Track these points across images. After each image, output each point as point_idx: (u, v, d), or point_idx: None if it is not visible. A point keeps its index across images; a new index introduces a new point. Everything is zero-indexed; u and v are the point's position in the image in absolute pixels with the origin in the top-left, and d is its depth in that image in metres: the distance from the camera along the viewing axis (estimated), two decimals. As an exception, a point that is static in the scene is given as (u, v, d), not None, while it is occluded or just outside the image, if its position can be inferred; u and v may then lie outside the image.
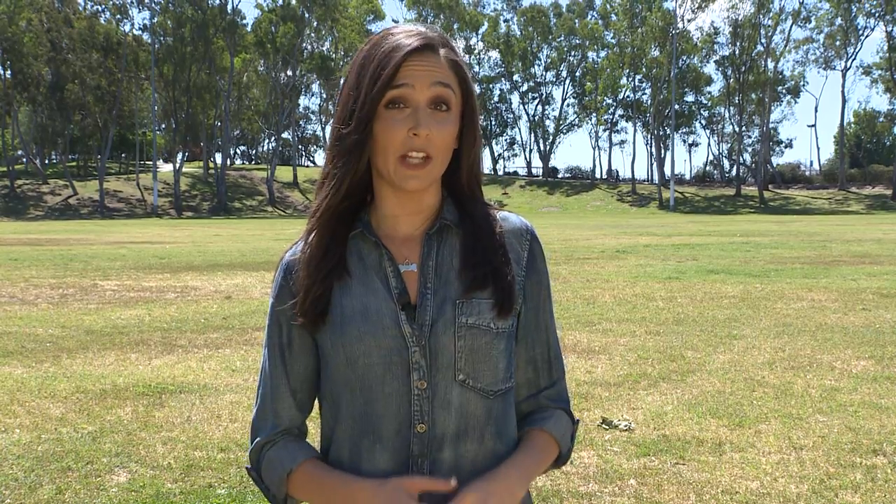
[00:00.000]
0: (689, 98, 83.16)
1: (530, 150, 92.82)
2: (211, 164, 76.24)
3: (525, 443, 1.46)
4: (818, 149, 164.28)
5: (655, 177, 79.47)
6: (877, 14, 72.55)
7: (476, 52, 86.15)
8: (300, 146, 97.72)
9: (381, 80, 1.34)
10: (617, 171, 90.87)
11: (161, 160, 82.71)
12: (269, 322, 1.47)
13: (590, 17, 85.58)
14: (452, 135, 1.38)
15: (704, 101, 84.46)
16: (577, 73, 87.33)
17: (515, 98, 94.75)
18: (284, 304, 1.44)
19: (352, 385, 1.39)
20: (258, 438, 1.46)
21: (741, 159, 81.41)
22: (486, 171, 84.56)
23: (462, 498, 1.30)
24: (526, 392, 1.50)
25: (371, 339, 1.36)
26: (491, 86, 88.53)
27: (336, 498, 1.36)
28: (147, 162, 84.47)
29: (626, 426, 5.51)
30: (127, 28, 74.40)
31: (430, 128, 1.33)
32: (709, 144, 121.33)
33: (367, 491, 1.32)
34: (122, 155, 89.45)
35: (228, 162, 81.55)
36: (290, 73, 75.98)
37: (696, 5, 76.42)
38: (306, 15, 74.58)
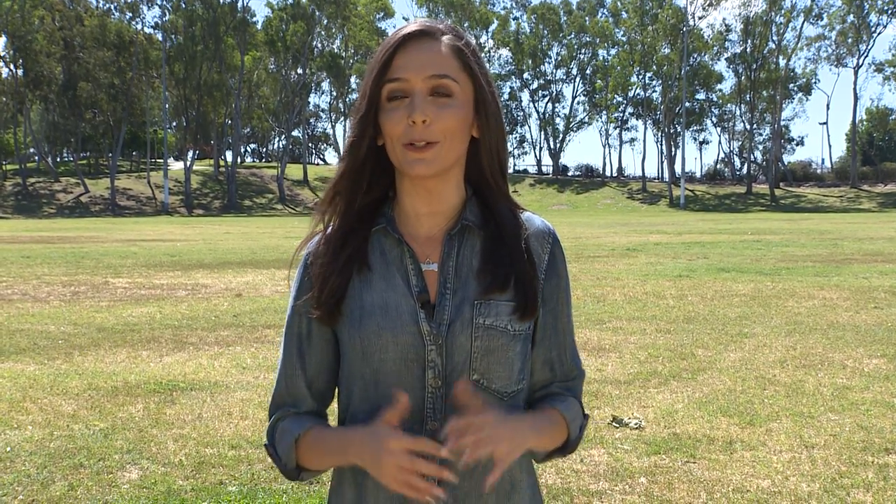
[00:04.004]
0: (700, 96, 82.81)
1: (540, 148, 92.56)
2: (221, 162, 76.43)
3: (535, 411, 1.46)
4: (830, 146, 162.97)
5: (666, 175, 79.26)
6: (889, 11, 72.17)
7: (486, 50, 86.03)
8: (310, 144, 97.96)
9: (377, 67, 1.35)
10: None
11: (172, 158, 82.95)
12: (289, 313, 1.48)
13: (600, 14, 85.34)
14: (457, 119, 1.36)
15: (715, 99, 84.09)
16: (588, 71, 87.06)
17: (525, 96, 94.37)
18: (303, 296, 1.45)
19: (366, 379, 1.39)
20: (274, 416, 1.48)
21: (752, 157, 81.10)
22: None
23: (485, 412, 1.30)
24: (540, 387, 1.51)
25: (389, 335, 1.36)
26: (501, 84, 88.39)
27: (332, 446, 1.38)
28: (158, 160, 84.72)
29: (636, 424, 5.51)
30: (138, 26, 74.49)
31: (427, 114, 1.32)
32: (719, 142, 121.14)
33: (357, 433, 1.33)
34: (133, 153, 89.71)
35: (239, 160, 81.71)
36: (300, 71, 76.08)
37: (707, 2, 76.15)
38: (317, 13, 74.67)
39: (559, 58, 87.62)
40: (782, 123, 79.93)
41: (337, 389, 1.50)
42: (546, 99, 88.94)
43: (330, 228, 1.45)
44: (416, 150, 1.34)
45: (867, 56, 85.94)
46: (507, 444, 1.29)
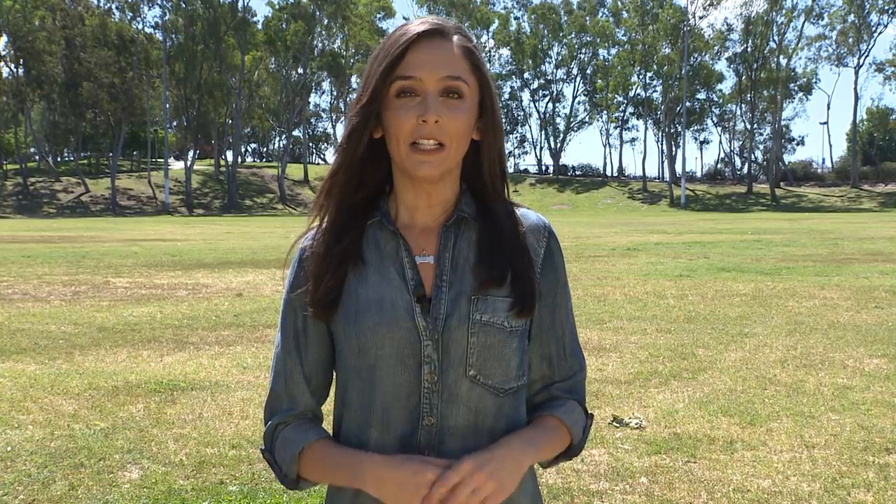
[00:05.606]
0: (701, 95, 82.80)
1: (541, 148, 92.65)
2: (222, 162, 76.44)
3: (533, 423, 1.44)
4: (830, 146, 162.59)
5: (666, 174, 79.24)
6: (890, 11, 72.18)
7: (487, 49, 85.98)
8: (311, 144, 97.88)
9: (387, 61, 1.33)
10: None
11: (172, 158, 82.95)
12: (284, 308, 1.47)
13: (601, 14, 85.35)
14: (466, 122, 1.36)
15: (716, 99, 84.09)
16: (588, 71, 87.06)
17: (526, 96, 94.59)
18: (298, 292, 1.43)
19: (362, 374, 1.39)
20: (272, 420, 1.46)
21: (753, 157, 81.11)
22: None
23: (461, 463, 1.28)
24: (540, 385, 1.49)
25: (385, 331, 1.36)
26: (501, 83, 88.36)
27: (343, 471, 1.35)
28: (158, 160, 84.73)
29: (637, 424, 5.50)
30: (139, 26, 74.52)
31: (440, 115, 1.32)
32: (720, 142, 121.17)
33: (378, 467, 1.31)
34: (134, 153, 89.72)
35: (239, 160, 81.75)
36: (300, 70, 76.10)
37: (708, 2, 76.13)
38: (317, 13, 74.67)
39: (560, 57, 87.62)
40: (783, 123, 79.99)
41: (334, 386, 1.49)
42: (546, 99, 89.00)
43: (325, 223, 1.44)
44: (423, 152, 1.33)
45: (868, 56, 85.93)
46: (494, 484, 1.28)
